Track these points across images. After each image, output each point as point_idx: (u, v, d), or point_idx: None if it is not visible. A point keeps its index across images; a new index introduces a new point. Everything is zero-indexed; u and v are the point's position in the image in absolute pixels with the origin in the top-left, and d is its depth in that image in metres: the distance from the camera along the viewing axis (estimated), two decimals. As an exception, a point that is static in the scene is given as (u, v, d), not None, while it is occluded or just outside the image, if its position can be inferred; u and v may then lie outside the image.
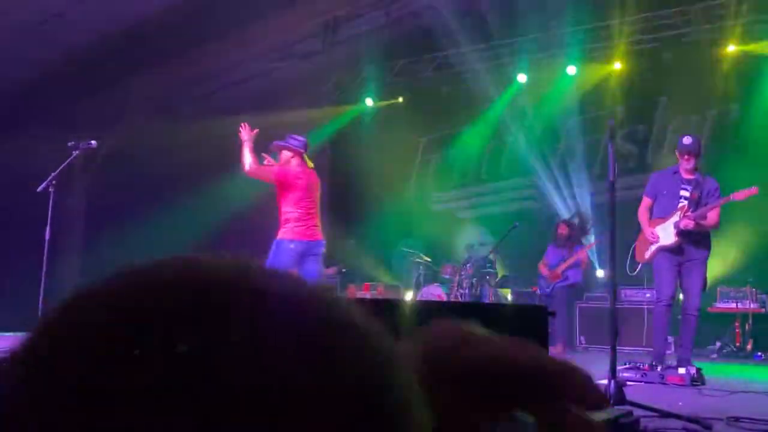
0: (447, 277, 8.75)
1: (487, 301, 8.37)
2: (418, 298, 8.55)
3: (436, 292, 8.52)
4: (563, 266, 7.92)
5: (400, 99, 11.01)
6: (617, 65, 9.34)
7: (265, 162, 5.51)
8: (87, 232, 10.53)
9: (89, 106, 9.53)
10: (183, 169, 10.08)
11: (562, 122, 9.87)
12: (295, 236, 5.28)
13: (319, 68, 10.64)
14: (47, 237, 4.98)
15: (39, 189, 5.09)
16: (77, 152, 5.17)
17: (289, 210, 5.31)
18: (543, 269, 8.08)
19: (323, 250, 5.54)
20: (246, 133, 5.37)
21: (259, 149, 5.48)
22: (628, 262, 5.80)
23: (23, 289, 5.52)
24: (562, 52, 9.36)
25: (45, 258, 4.97)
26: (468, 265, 8.61)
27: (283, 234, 5.32)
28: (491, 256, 8.67)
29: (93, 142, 5.25)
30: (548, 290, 8.01)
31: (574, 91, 9.63)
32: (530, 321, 2.26)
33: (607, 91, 9.47)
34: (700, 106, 8.87)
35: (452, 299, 8.27)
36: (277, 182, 5.36)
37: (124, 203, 10.03)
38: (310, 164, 5.54)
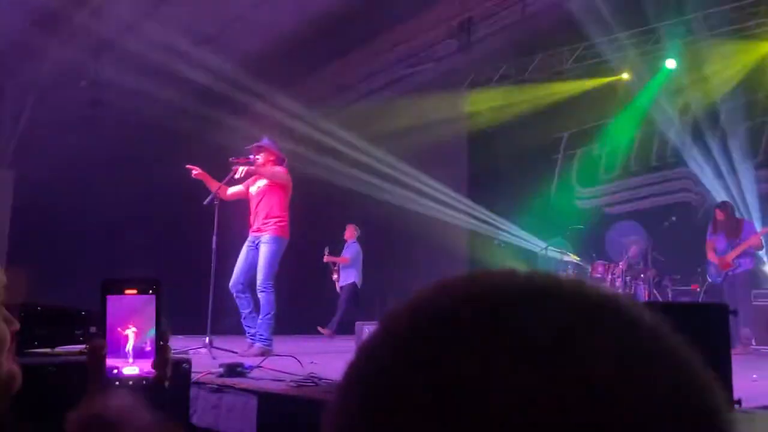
0: (598, 276, 8.41)
1: (644, 300, 7.96)
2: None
3: (586, 292, 8.20)
4: (733, 254, 7.34)
5: (540, 94, 10.74)
6: (782, 41, 8.54)
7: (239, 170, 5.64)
8: (244, 237, 11.25)
9: (242, 122, 10.17)
10: (329, 179, 10.49)
11: (720, 107, 9.18)
12: (288, 234, 5.71)
13: (456, 69, 10.66)
14: (214, 246, 5.37)
15: (205, 203, 5.50)
16: (237, 175, 5.53)
17: (285, 209, 5.69)
18: (711, 255, 7.52)
19: None
20: (200, 173, 5.57)
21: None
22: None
23: (195, 294, 5.99)
24: (718, 32, 8.70)
25: (213, 265, 5.36)
26: (620, 263, 8.23)
27: (282, 232, 5.64)
28: (646, 253, 8.24)
29: (252, 157, 5.61)
30: (719, 279, 7.47)
31: (732, 73, 8.92)
32: (710, 321, 2.09)
33: (771, 71, 8.70)
34: None
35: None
36: (285, 181, 5.68)
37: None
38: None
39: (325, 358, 5.13)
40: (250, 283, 5.60)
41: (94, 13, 8.81)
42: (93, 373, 1.06)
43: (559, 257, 8.99)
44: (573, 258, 8.87)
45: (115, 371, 1.06)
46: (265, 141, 5.84)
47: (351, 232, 9.65)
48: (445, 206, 10.87)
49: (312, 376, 3.58)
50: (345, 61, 10.84)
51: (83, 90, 9.57)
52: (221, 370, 3.77)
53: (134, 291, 1.08)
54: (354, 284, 9.44)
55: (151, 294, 1.09)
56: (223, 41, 9.74)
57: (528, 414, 0.33)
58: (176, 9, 8.98)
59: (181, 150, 10.00)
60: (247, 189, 5.82)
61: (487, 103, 10.95)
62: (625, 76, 9.91)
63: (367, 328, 3.99)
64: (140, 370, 1.07)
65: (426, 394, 0.35)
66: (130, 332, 1.07)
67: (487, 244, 10.39)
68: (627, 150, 10.29)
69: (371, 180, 10.95)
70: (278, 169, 5.73)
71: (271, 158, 5.77)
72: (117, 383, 1.06)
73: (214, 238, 5.40)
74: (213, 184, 5.59)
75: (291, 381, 3.52)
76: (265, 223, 5.63)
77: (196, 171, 5.56)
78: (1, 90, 9.98)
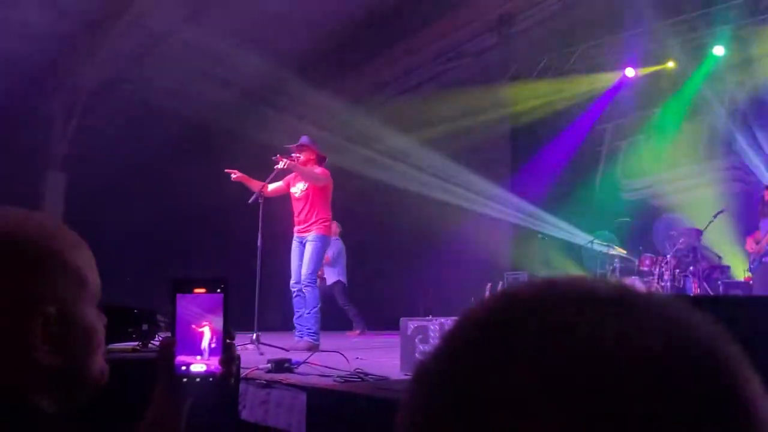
0: (646, 269, 8.24)
1: (693, 293, 7.78)
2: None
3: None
4: (765, 238, 7.06)
5: (582, 86, 10.55)
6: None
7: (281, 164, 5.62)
8: (287, 235, 11.35)
9: (281, 120, 10.27)
10: (369, 176, 10.52)
11: (772, 93, 8.89)
12: (330, 233, 5.86)
13: (496, 63, 10.58)
14: (259, 244, 5.44)
15: (249, 201, 5.57)
16: (280, 165, 5.58)
17: (328, 208, 5.76)
18: (749, 243, 7.29)
19: None
20: (239, 176, 5.62)
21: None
22: None
23: (241, 291, 6.08)
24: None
25: (258, 263, 5.43)
26: (668, 255, 8.06)
27: (326, 230, 5.74)
28: (695, 246, 8.04)
29: (294, 155, 5.66)
30: (753, 266, 7.27)
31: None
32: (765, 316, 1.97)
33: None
34: None
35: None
36: (323, 182, 5.70)
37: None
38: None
39: (371, 354, 5.17)
40: None
41: (139, 17, 9.00)
42: (162, 369, 1.09)
43: (605, 251, 8.84)
44: (619, 251, 8.72)
45: (184, 368, 1.09)
46: (304, 139, 5.86)
47: (333, 230, 9.44)
48: (488, 200, 10.80)
49: (358, 372, 3.61)
50: (384, 57, 10.84)
51: (130, 93, 9.80)
52: (269, 365, 3.82)
53: (203, 290, 1.11)
54: (340, 282, 9.24)
55: (219, 293, 1.11)
56: (264, 40, 9.84)
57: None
58: (217, 10, 9.12)
59: (225, 150, 10.16)
60: (287, 186, 5.85)
61: (529, 96, 10.83)
62: (670, 64, 9.68)
63: (411, 324, 4.00)
64: (207, 367, 1.10)
65: (473, 403, 0.39)
66: (206, 329, 1.10)
67: (530, 238, 10.28)
68: (674, 140, 10.05)
69: (412, 175, 10.94)
70: (317, 170, 5.74)
71: (312, 157, 5.79)
72: (185, 380, 1.09)
73: (260, 236, 5.47)
74: (253, 184, 5.66)
75: (337, 376, 3.55)
76: (311, 223, 5.70)
77: (235, 175, 5.64)
78: (52, 94, 10.27)
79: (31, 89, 10.07)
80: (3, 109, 10.19)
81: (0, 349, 0.84)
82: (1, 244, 0.86)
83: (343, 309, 9.30)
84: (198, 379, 1.09)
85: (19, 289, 0.85)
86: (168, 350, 1.09)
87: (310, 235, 5.67)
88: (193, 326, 1.10)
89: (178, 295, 1.10)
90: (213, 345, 1.10)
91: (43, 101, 10.23)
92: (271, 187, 5.78)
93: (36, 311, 0.85)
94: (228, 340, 1.11)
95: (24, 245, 0.87)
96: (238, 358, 3.18)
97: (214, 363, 1.09)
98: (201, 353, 1.10)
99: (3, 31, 9.13)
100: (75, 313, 0.90)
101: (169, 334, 1.12)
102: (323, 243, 5.70)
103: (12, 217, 0.91)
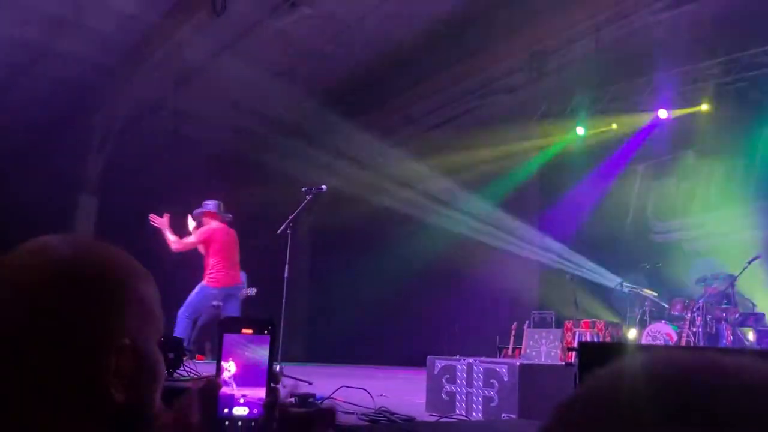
0: (677, 314, 8.06)
1: (724, 342, 7.58)
2: (644, 337, 7.98)
3: (664, 331, 7.88)
4: None
5: (613, 126, 10.48)
6: None
7: (192, 229, 6.61)
8: (312, 267, 11.38)
9: (314, 155, 10.35)
10: (399, 209, 10.51)
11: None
12: (217, 284, 6.41)
13: (527, 100, 10.58)
14: (286, 275, 5.41)
15: (278, 231, 5.57)
16: (310, 197, 5.58)
17: (213, 261, 6.45)
18: None
19: (242, 291, 6.99)
20: (159, 222, 6.41)
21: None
22: None
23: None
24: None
25: (284, 293, 5.40)
26: (700, 300, 7.88)
27: (208, 281, 6.45)
28: (727, 291, 7.86)
29: (323, 186, 5.66)
30: None
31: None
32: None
33: None
34: None
35: (684, 338, 7.59)
36: (202, 244, 6.50)
37: (342, 242, 10.67)
38: (227, 218, 6.76)
39: (395, 390, 5.08)
40: None
41: (175, 48, 9.19)
42: (206, 411, 1.06)
43: (634, 293, 8.67)
44: (649, 293, 8.55)
45: (226, 410, 1.06)
46: (208, 205, 6.68)
47: None
48: (516, 238, 10.70)
49: (383, 410, 3.54)
50: (416, 92, 10.91)
51: (164, 120, 9.97)
52: (292, 400, 3.76)
53: (250, 331, 1.08)
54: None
55: (266, 334, 1.09)
56: (296, 73, 9.98)
57: None
58: (251, 43, 9.28)
59: (254, 178, 10.24)
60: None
61: (560, 134, 10.79)
62: (704, 107, 9.58)
63: (439, 364, 3.93)
64: (249, 411, 1.07)
65: None
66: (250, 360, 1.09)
67: (558, 277, 10.14)
68: (707, 182, 9.89)
69: (439, 211, 10.91)
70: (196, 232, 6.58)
71: (211, 218, 6.62)
72: (227, 423, 1.06)
73: (287, 267, 5.44)
74: (167, 238, 6.46)
75: (362, 414, 3.49)
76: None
77: (156, 222, 6.43)
78: (88, 119, 10.48)
79: (68, 114, 10.30)
80: (40, 133, 10.42)
81: (74, 384, 0.79)
82: (71, 274, 0.82)
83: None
84: (240, 423, 1.06)
85: (93, 321, 0.81)
86: (212, 392, 1.06)
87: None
88: (239, 355, 1.08)
89: (226, 335, 1.08)
90: (258, 388, 1.08)
91: (79, 126, 10.44)
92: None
93: (110, 344, 0.81)
94: (273, 384, 1.08)
95: (93, 275, 0.83)
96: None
97: (257, 407, 1.07)
98: (243, 386, 1.06)
99: (44, 59, 9.39)
100: (144, 346, 0.86)
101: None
102: (200, 290, 6.48)
103: (78, 245, 0.87)
